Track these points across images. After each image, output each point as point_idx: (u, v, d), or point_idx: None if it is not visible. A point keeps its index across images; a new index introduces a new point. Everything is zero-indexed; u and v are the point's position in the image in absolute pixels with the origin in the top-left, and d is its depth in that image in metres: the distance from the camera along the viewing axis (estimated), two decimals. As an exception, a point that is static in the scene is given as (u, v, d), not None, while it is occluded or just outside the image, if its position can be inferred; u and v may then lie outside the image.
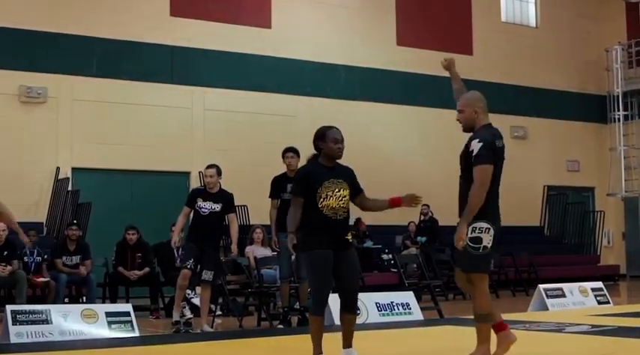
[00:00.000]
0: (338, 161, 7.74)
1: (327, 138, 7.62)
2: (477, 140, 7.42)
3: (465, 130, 7.66)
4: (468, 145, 7.51)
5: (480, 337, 7.49)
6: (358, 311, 11.83)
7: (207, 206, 12.10)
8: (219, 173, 12.30)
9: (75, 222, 16.15)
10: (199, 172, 20.33)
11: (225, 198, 12.29)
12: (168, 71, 21.11)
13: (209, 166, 12.43)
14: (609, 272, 25.34)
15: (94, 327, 10.90)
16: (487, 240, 7.46)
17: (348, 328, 7.62)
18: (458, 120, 7.65)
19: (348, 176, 7.69)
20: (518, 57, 27.01)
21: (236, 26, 22.05)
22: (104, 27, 20.27)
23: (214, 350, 10.08)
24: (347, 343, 7.63)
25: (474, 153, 7.38)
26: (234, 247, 12.46)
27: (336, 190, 7.47)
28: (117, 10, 20.51)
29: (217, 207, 12.11)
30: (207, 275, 12.04)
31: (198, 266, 12.01)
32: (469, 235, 7.36)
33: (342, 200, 7.49)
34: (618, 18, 28.98)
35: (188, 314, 14.14)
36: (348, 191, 7.57)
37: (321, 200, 7.42)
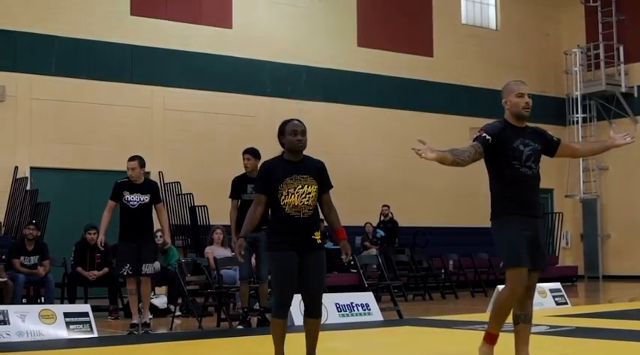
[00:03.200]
0: (309, 155, 7.43)
1: (285, 132, 7.30)
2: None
3: (525, 118, 7.31)
4: (544, 135, 7.39)
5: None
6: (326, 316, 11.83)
7: (135, 198, 11.95)
8: (142, 165, 12.09)
9: (34, 221, 16.02)
10: (159, 172, 20.29)
11: (152, 188, 12.23)
12: (129, 70, 21.03)
13: (131, 158, 12.12)
14: (567, 274, 25.52)
15: (52, 328, 10.83)
16: None
17: (312, 334, 7.35)
18: (529, 107, 7.23)
19: (315, 170, 7.30)
20: (478, 59, 27.17)
21: (197, 26, 22.01)
22: (64, 25, 20.15)
23: (173, 351, 10.05)
24: (309, 350, 7.37)
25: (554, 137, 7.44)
26: (166, 237, 12.57)
27: (299, 187, 7.13)
28: (77, 8, 20.39)
29: (146, 198, 12.00)
30: (149, 268, 12.02)
31: (137, 265, 11.99)
32: None
33: (305, 197, 7.13)
34: (577, 21, 29.23)
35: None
36: (314, 187, 7.21)
37: (283, 198, 7.12)
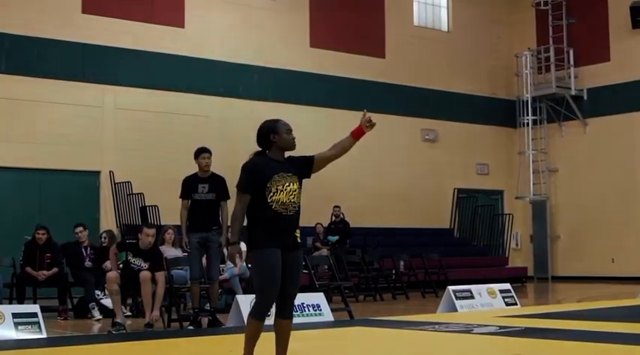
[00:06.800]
0: (289, 154, 7.33)
1: (279, 130, 7.19)
2: None
3: None
4: None
5: None
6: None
7: (137, 262, 12.46)
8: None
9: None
10: (110, 171, 20.16)
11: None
12: (80, 69, 20.85)
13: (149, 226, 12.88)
14: (517, 274, 25.75)
15: (1, 329, 10.72)
16: None
17: (283, 335, 7.16)
18: None
19: (297, 167, 7.26)
20: (430, 60, 27.29)
21: (149, 25, 21.88)
22: (14, 23, 19.95)
23: (122, 351, 9.98)
24: (281, 352, 7.16)
25: None
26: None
27: (286, 184, 7.05)
28: (27, 5, 20.20)
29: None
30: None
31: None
32: None
33: (292, 194, 7.06)
34: (528, 24, 29.48)
35: (97, 315, 14.01)
36: (297, 184, 7.16)
37: (271, 195, 6.99)
